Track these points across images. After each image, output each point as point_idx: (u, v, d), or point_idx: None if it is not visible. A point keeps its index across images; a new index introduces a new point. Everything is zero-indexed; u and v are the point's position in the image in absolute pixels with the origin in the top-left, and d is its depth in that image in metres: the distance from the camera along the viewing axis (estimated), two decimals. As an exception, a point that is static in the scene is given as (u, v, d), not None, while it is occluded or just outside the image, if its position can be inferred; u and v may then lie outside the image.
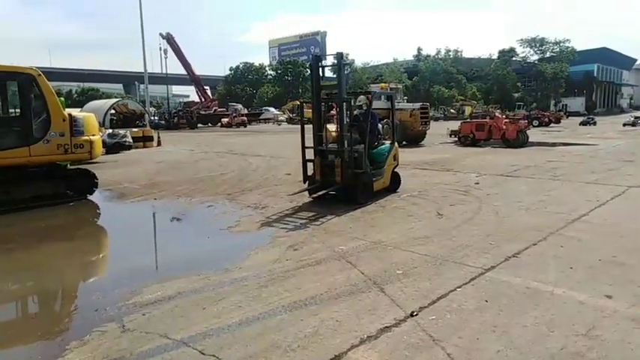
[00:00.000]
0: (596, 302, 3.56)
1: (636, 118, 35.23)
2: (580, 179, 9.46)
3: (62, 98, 8.57)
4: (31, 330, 3.49)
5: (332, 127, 8.01)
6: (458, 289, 3.87)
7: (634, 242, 5.12)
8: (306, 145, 7.69)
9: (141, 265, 4.96)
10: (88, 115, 8.61)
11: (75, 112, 8.86)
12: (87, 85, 73.18)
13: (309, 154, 7.67)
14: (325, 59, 7.63)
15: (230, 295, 3.87)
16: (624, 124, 33.18)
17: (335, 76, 7.86)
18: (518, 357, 2.81)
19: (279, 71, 75.31)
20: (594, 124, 35.70)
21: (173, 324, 3.37)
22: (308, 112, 8.51)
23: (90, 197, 8.52)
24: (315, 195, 7.64)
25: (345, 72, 7.41)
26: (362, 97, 8.53)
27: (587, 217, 6.27)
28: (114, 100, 31.74)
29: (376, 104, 9.24)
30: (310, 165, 7.73)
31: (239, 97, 70.92)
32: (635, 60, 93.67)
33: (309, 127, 7.73)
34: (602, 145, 17.69)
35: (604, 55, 77.20)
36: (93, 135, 8.25)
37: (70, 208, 7.87)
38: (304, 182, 7.92)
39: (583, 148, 16.59)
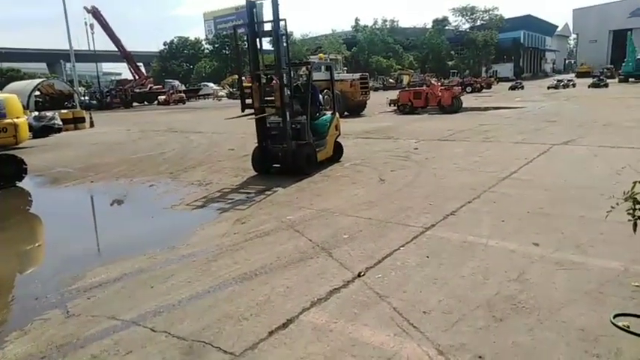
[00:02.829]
0: (525, 250, 3.87)
1: (558, 81, 37.52)
2: (510, 140, 10.05)
3: (-24, 80, 7.89)
4: (-35, 325, 3.30)
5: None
6: (401, 248, 4.06)
7: (557, 194, 5.56)
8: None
9: (82, 250, 4.77)
10: (9, 97, 8.03)
11: (-7, 94, 8.20)
12: (5, 65, 67.02)
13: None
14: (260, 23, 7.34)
15: (178, 272, 3.84)
16: (548, 87, 35.25)
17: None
18: (458, 304, 3.03)
19: (216, 45, 72.63)
20: (522, 88, 37.62)
21: (120, 305, 3.31)
22: (249, 85, 8.35)
23: (19, 184, 8.00)
24: (255, 117, 7.53)
25: (284, 44, 7.24)
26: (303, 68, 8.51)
27: (516, 174, 6.71)
28: (38, 81, 29.45)
29: (316, 75, 9.26)
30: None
31: (175, 73, 68.00)
32: (557, 27, 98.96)
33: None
34: (529, 108, 18.76)
35: (529, 22, 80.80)
36: (17, 118, 7.71)
37: (-2, 197, 7.37)
38: (242, 111, 7.92)
39: (512, 111, 17.52)
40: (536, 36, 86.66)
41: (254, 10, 7.28)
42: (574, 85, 35.72)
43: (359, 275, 3.56)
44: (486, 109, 19.43)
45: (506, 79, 55.79)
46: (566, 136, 10.05)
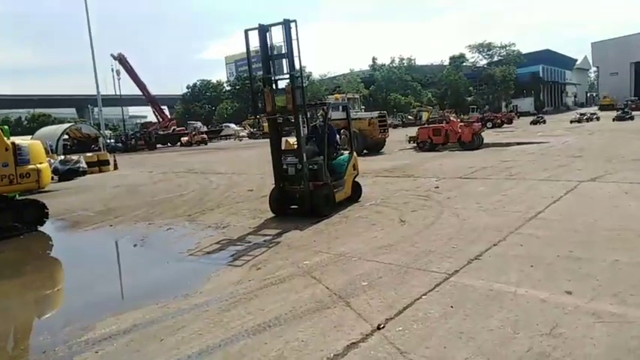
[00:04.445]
0: (557, 299, 3.60)
1: (581, 115, 37.03)
2: (534, 177, 9.75)
3: (5, 127, 8.14)
4: (-31, 381, 3.20)
5: (292, 140, 7.94)
6: (423, 297, 3.84)
7: (588, 236, 5.26)
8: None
9: (95, 298, 4.68)
10: (33, 143, 8.21)
11: (19, 140, 8.41)
12: (38, 111, 70.28)
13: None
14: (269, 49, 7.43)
15: (190, 323, 3.69)
16: (571, 121, 34.79)
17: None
18: (486, 362, 2.79)
19: (237, 87, 74.78)
20: (544, 122, 37.23)
21: (128, 360, 3.17)
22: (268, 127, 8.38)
23: (41, 228, 8.08)
24: (266, 117, 7.51)
25: (303, 84, 7.27)
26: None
27: (543, 214, 6.43)
28: (66, 125, 30.71)
29: (334, 115, 9.27)
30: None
31: (198, 114, 69.91)
32: (576, 60, 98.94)
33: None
34: (552, 143, 18.41)
35: (547, 56, 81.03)
36: (40, 163, 7.86)
37: (20, 242, 7.43)
38: (254, 116, 8.03)
39: (535, 147, 17.19)
40: (555, 70, 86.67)
41: (267, 33, 7.36)
42: (598, 119, 35.21)
43: (378, 328, 3.34)
44: (508, 144, 19.16)
45: (527, 114, 55.51)
46: (594, 172, 9.72)
